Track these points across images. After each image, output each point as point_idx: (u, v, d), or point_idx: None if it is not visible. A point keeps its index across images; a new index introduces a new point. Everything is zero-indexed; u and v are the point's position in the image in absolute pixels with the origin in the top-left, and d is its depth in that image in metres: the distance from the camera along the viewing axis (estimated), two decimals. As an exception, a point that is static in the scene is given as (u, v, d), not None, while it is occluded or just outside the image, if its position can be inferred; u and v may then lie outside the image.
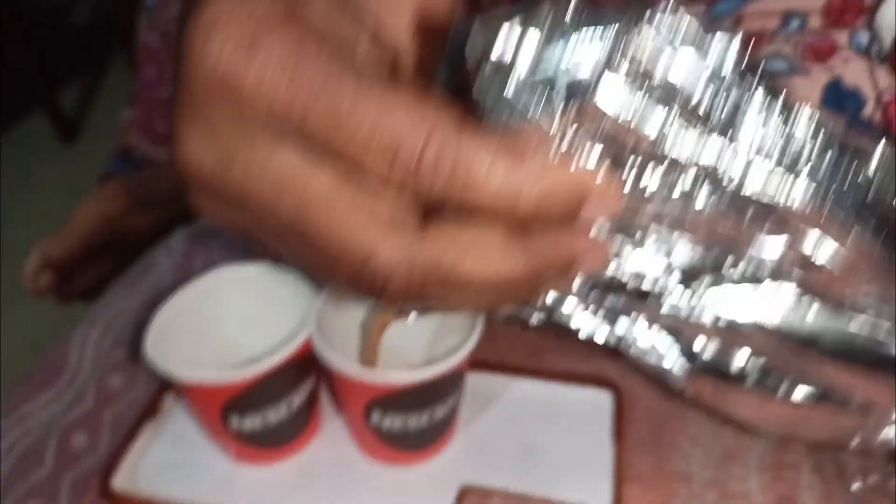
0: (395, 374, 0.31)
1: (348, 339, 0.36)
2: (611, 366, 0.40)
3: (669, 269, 0.26)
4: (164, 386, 0.40)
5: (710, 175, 0.22)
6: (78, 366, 0.44)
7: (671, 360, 0.30)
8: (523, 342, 0.43)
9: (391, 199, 0.21)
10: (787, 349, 0.27)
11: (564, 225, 0.22)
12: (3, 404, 0.42)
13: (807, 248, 0.24)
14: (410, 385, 0.31)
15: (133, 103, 0.67)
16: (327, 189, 0.21)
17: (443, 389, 0.33)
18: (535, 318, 0.30)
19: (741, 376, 0.29)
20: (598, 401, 0.39)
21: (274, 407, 0.34)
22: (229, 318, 0.38)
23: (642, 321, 0.29)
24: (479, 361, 0.39)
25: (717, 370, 0.29)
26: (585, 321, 0.30)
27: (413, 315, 0.32)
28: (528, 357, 0.42)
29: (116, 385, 0.42)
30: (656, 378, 0.32)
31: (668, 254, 0.25)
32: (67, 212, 0.55)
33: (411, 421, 0.33)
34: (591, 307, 0.29)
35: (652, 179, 0.23)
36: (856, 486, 0.33)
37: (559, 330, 0.30)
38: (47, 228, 0.54)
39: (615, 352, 0.32)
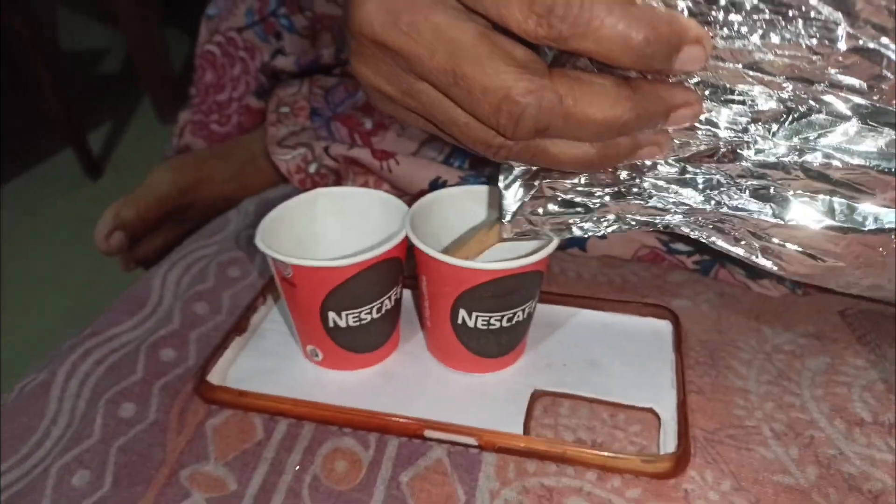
0: (485, 264, 0.34)
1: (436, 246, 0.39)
2: (665, 304, 0.43)
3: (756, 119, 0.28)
4: (249, 308, 0.43)
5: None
6: (160, 298, 0.46)
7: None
8: (580, 283, 0.46)
9: (522, 49, 0.25)
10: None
11: (665, 78, 0.27)
12: (87, 329, 0.44)
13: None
14: (498, 275, 0.34)
15: (189, 107, 0.72)
16: (475, 39, 0.25)
17: (523, 290, 0.36)
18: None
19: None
20: (658, 327, 0.42)
21: (368, 306, 0.36)
22: (323, 235, 0.41)
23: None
24: (544, 294, 0.43)
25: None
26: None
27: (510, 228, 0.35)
28: (588, 294, 0.45)
29: (201, 311, 0.44)
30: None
31: (752, 106, 0.28)
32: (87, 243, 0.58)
33: (493, 320, 0.36)
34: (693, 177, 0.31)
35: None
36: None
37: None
38: (66, 258, 0.56)
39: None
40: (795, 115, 0.28)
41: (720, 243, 0.33)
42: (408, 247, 0.37)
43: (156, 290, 0.47)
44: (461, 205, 0.40)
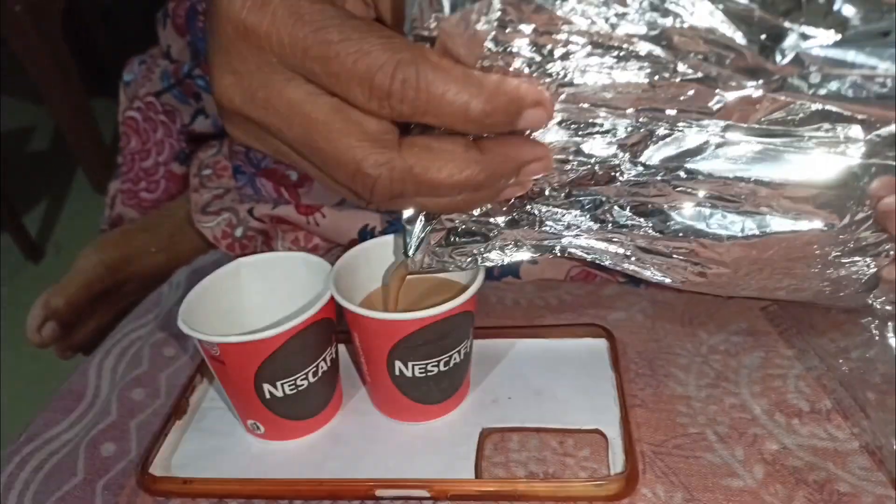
0: (413, 312, 0.34)
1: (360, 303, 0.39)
2: (601, 320, 0.44)
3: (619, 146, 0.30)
4: (187, 389, 0.42)
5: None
6: (97, 390, 0.45)
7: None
8: (518, 310, 0.46)
9: (375, 121, 0.26)
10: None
11: (513, 135, 0.28)
12: (23, 436, 0.43)
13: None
14: (427, 322, 0.34)
15: (118, 176, 0.71)
16: (326, 115, 0.26)
17: (455, 332, 0.36)
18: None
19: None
20: (595, 347, 0.42)
21: (302, 372, 0.36)
22: (250, 305, 0.40)
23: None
24: (482, 329, 0.43)
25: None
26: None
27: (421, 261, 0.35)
28: (525, 321, 0.45)
29: (138, 398, 0.43)
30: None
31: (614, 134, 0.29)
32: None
33: (430, 367, 0.36)
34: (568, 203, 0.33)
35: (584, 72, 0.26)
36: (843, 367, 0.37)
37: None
38: (13, 346, 0.54)
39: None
40: (657, 137, 0.29)
41: (610, 262, 0.34)
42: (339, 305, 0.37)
43: (92, 382, 0.46)
44: (385, 254, 0.41)
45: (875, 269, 0.32)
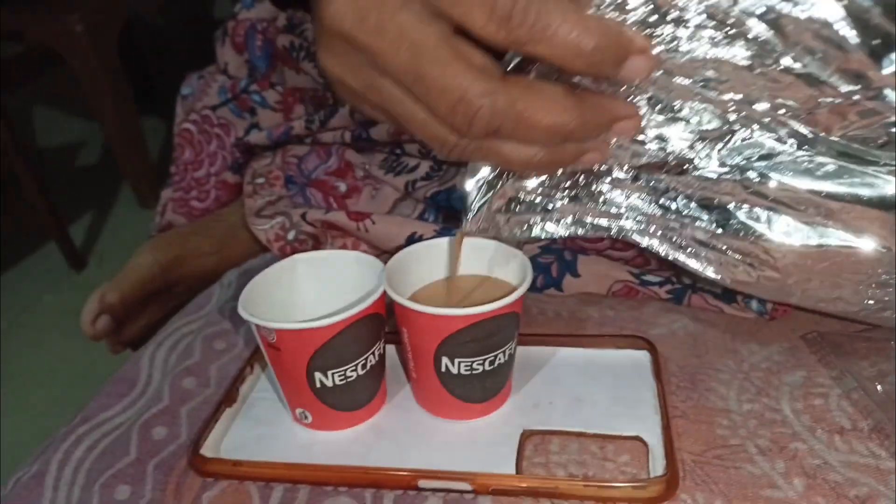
0: (463, 309, 0.35)
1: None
2: (643, 335, 0.45)
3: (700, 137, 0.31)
4: (237, 379, 0.44)
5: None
6: (149, 378, 0.47)
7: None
8: (560, 322, 0.47)
9: (480, 54, 0.27)
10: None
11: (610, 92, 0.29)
12: (78, 416, 0.45)
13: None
14: (475, 319, 0.35)
15: (170, 185, 0.74)
16: (436, 41, 0.27)
17: (501, 332, 0.37)
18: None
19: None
20: (637, 358, 0.43)
21: (352, 363, 0.37)
22: (304, 300, 0.42)
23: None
24: (524, 337, 0.44)
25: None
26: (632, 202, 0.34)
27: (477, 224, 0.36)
28: (567, 331, 0.46)
29: (189, 386, 0.45)
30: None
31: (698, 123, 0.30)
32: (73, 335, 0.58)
33: (476, 365, 0.37)
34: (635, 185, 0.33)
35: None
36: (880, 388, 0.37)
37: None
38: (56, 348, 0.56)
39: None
40: (738, 136, 0.30)
41: (664, 250, 0.35)
42: (389, 303, 0.38)
43: (144, 370, 0.48)
44: (437, 256, 0.42)
45: None
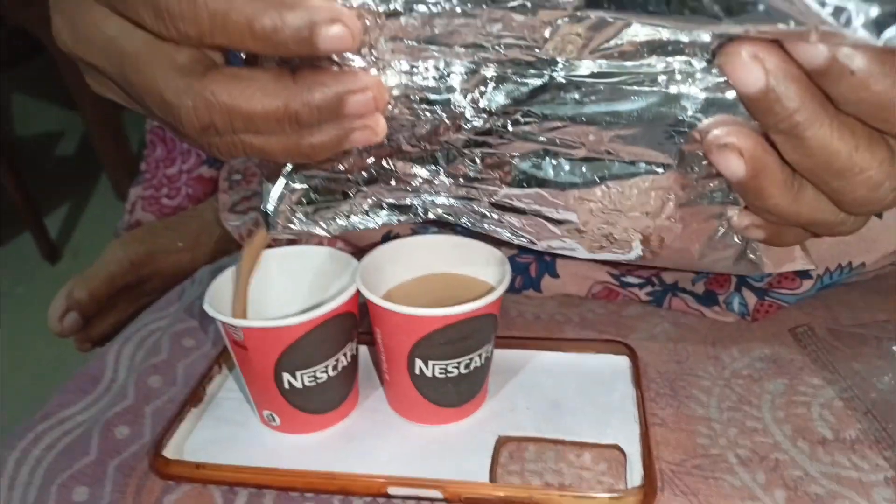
0: (437, 310, 0.34)
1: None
2: (623, 339, 0.44)
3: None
4: (205, 378, 0.42)
5: None
6: (114, 374, 0.45)
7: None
8: (539, 324, 0.46)
9: (186, 52, 0.26)
10: None
11: (335, 67, 0.27)
12: (38, 413, 0.43)
13: None
14: (450, 320, 0.34)
15: (140, 183, 0.72)
16: (137, 48, 0.26)
17: (477, 334, 0.36)
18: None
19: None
20: (616, 363, 0.42)
21: (322, 364, 0.36)
22: (275, 297, 0.40)
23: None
24: (502, 340, 0.43)
25: None
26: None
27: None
28: (545, 335, 0.45)
29: (155, 384, 0.43)
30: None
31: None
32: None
33: (450, 368, 0.36)
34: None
35: None
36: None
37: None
38: (27, 341, 0.55)
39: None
40: (491, 80, 0.28)
41: (469, 223, 0.34)
42: (363, 302, 0.37)
43: (109, 367, 0.46)
44: (413, 255, 0.41)
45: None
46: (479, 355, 0.37)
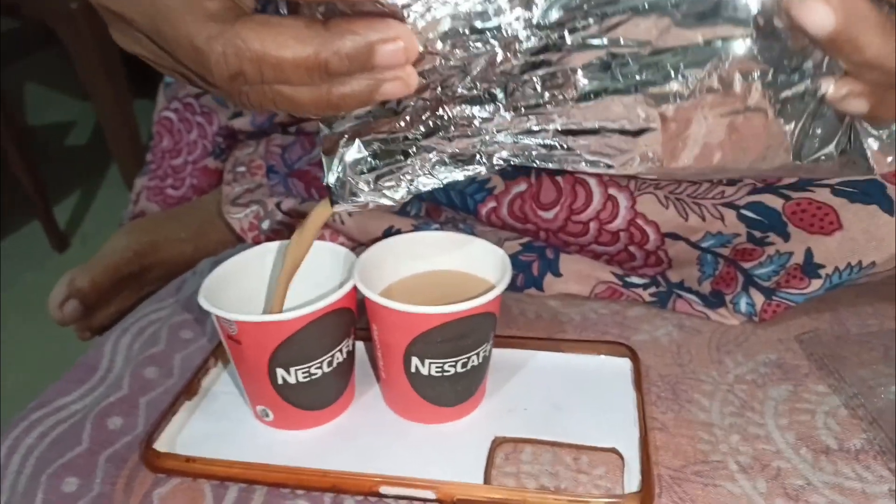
0: (435, 307, 0.33)
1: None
2: (625, 340, 0.43)
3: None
4: (200, 371, 0.42)
5: None
6: (111, 364, 0.45)
7: None
8: (540, 323, 0.45)
9: (217, 1, 0.26)
10: None
11: (366, 14, 0.26)
12: (34, 401, 0.43)
13: None
14: (448, 318, 0.33)
15: (146, 173, 0.72)
16: None
17: (475, 333, 0.35)
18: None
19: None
20: (617, 365, 0.41)
21: (317, 360, 0.35)
22: (273, 289, 0.40)
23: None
24: (502, 339, 0.42)
25: None
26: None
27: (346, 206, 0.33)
28: (546, 335, 0.44)
29: (151, 376, 0.43)
30: None
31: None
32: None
33: (447, 367, 0.35)
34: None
35: None
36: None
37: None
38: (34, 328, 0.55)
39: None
40: None
41: (539, 161, 0.31)
42: (361, 298, 0.36)
43: (107, 357, 0.46)
44: (413, 251, 0.40)
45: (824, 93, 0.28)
46: (478, 354, 0.36)
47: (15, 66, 2.18)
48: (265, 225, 0.53)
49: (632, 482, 0.33)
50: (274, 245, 0.40)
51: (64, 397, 0.42)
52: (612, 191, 0.44)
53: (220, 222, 0.60)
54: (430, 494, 0.33)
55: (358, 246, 0.51)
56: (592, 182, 0.45)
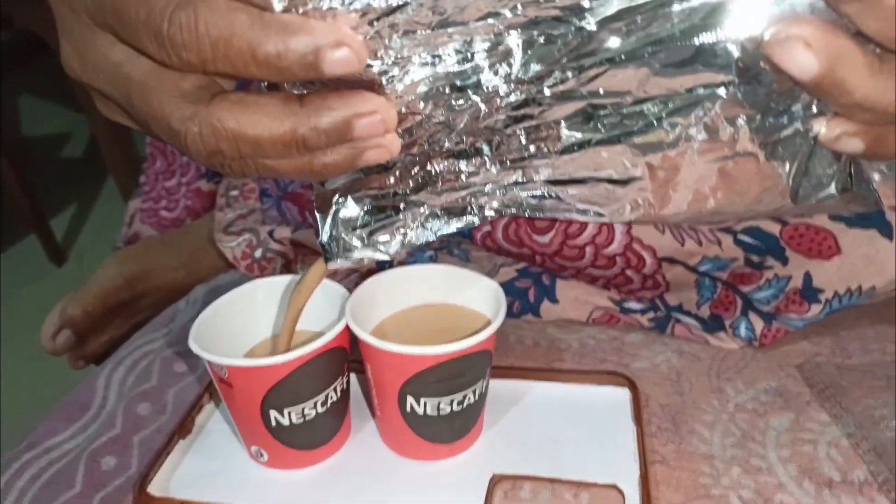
0: (429, 347, 0.33)
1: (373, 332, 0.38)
2: (624, 368, 0.42)
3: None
4: (194, 408, 0.41)
5: None
6: (104, 401, 0.44)
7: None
8: (538, 351, 0.45)
9: (192, 78, 0.26)
10: None
11: (344, 89, 0.26)
12: (25, 441, 0.42)
13: None
14: (443, 359, 0.33)
15: (139, 195, 0.72)
16: (143, 75, 0.26)
17: (471, 371, 0.34)
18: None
19: None
20: (616, 396, 0.40)
21: (311, 400, 0.35)
22: (264, 326, 0.39)
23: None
24: (499, 370, 0.42)
25: None
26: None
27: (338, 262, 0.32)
28: (544, 363, 0.43)
29: (144, 412, 0.43)
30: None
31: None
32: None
33: (443, 405, 0.35)
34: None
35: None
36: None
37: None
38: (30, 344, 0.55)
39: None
40: (518, 47, 0.26)
41: (529, 212, 0.31)
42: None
43: (99, 393, 0.45)
44: (405, 285, 0.40)
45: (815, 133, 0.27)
46: (474, 391, 0.35)
47: (8, 78, 2.17)
48: (258, 254, 0.53)
49: (633, 520, 0.33)
50: (263, 281, 0.40)
51: (54, 437, 0.42)
52: None
53: (212, 248, 0.60)
54: (427, 537, 0.32)
55: (353, 273, 0.51)
56: (588, 207, 0.44)
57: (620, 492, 0.35)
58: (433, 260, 0.48)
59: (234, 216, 0.56)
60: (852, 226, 0.40)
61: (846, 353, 0.42)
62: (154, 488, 0.36)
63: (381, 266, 0.47)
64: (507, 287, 0.46)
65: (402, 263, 0.46)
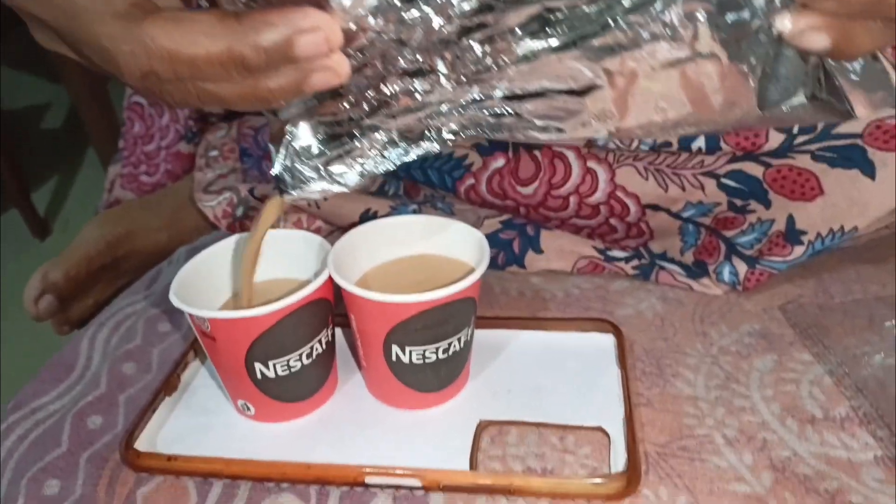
0: (413, 295, 0.33)
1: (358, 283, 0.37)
2: (608, 315, 0.42)
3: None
4: (179, 366, 0.41)
5: None
6: (88, 361, 0.44)
7: None
8: (523, 301, 0.45)
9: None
10: None
11: (284, 5, 0.24)
12: (10, 403, 0.42)
13: None
14: (426, 306, 0.33)
15: (119, 161, 0.71)
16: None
17: (455, 319, 0.34)
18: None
19: None
20: (601, 342, 0.40)
21: (295, 353, 0.35)
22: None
23: None
24: (485, 320, 0.42)
25: None
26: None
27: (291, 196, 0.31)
28: (529, 313, 0.44)
29: (129, 372, 0.42)
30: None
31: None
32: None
33: (428, 354, 0.35)
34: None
35: None
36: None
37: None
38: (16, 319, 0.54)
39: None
40: None
41: (489, 132, 0.30)
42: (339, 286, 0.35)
43: (84, 353, 0.45)
44: (388, 236, 0.39)
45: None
46: (458, 339, 0.35)
47: (-17, 51, 2.13)
48: (239, 212, 0.52)
49: (618, 461, 0.33)
50: (244, 236, 0.39)
51: (41, 398, 0.42)
52: (591, 164, 0.44)
53: (193, 209, 0.59)
54: (415, 482, 0.33)
55: (336, 230, 0.50)
56: (571, 156, 0.44)
57: (606, 434, 0.35)
58: (417, 213, 0.47)
59: (214, 176, 0.56)
60: (835, 166, 0.40)
61: (828, 293, 0.43)
62: (141, 444, 0.36)
63: (363, 218, 0.46)
64: (492, 238, 0.46)
65: (386, 216, 0.45)
